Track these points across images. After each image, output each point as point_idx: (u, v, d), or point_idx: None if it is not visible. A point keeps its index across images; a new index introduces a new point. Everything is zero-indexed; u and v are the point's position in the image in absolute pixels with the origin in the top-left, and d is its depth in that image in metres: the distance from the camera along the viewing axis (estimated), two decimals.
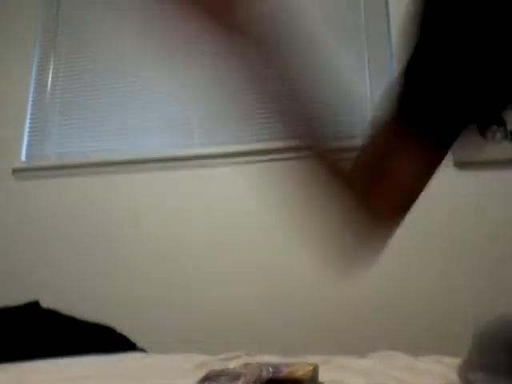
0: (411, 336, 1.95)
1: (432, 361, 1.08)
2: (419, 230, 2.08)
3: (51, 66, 2.68)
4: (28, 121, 2.63)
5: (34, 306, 1.61)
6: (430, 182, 0.63)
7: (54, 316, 1.55)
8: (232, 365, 0.93)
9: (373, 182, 0.60)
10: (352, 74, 2.42)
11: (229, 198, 2.30)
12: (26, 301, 1.64)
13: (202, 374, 0.81)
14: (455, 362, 0.98)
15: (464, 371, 0.54)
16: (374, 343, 1.84)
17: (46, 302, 1.70)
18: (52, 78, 2.66)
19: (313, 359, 1.02)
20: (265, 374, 0.85)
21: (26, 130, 2.62)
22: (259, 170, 2.32)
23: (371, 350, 1.31)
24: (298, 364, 0.93)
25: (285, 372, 0.88)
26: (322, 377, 0.91)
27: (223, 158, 2.34)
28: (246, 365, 0.92)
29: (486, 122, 2.11)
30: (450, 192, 2.10)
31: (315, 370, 0.92)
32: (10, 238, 2.44)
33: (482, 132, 2.10)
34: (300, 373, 0.88)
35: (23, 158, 2.59)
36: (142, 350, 1.46)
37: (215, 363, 0.98)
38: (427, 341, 1.90)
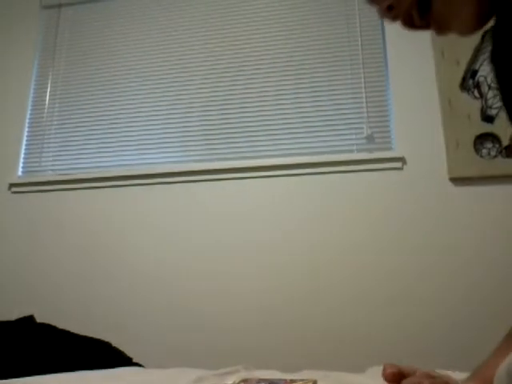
0: (410, 352, 1.94)
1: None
2: (416, 244, 2.10)
3: (49, 83, 2.71)
4: (25, 137, 2.64)
5: (28, 320, 1.59)
6: None
7: (48, 331, 1.53)
8: (230, 380, 0.93)
9: None
10: (349, 91, 2.46)
11: (226, 216, 2.31)
12: (20, 315, 1.62)
13: None
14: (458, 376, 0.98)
15: None
16: (372, 360, 1.84)
17: (41, 317, 1.69)
18: (50, 94, 2.69)
19: (311, 375, 1.02)
20: None
21: (23, 145, 2.63)
22: (261, 185, 2.34)
23: (369, 366, 1.30)
24: (298, 380, 0.93)
25: None
26: None
27: (220, 174, 2.36)
28: (245, 380, 0.91)
29: (481, 140, 2.14)
30: (446, 206, 2.11)
31: None
32: (7, 251, 2.43)
33: (477, 149, 2.13)
34: None
35: (20, 173, 2.60)
36: (138, 364, 1.44)
37: (213, 378, 0.98)
38: (426, 357, 1.89)
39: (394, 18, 0.57)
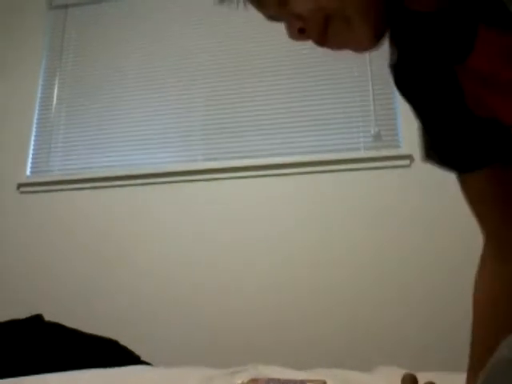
0: (413, 353, 1.94)
1: (434, 377, 1.07)
2: (424, 242, 2.08)
3: (56, 83, 2.72)
4: (33, 137, 2.65)
5: (37, 319, 1.60)
6: None
7: (57, 330, 1.54)
8: (239, 379, 0.92)
9: None
10: (356, 89, 2.44)
11: (233, 214, 2.31)
12: (29, 314, 1.63)
13: None
14: (457, 377, 0.97)
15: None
16: (377, 357, 1.83)
17: (50, 316, 1.70)
18: (57, 95, 2.70)
19: (319, 373, 1.02)
20: None
21: (31, 145, 2.64)
22: (259, 184, 2.33)
23: (373, 363, 1.30)
24: (307, 380, 0.92)
25: None
26: None
27: (225, 173, 2.36)
28: (254, 380, 0.91)
29: None
30: (454, 204, 2.10)
31: None
32: (15, 251, 2.44)
33: None
34: None
35: (28, 173, 2.61)
36: (146, 363, 1.44)
37: (222, 377, 0.97)
38: (429, 358, 1.88)
39: (305, 39, 0.60)
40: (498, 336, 0.50)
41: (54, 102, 2.70)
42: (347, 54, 2.22)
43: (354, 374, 1.07)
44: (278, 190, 2.29)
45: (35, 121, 2.68)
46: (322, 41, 0.58)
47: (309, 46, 2.24)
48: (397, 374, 1.11)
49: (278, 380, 0.88)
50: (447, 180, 2.26)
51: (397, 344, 1.97)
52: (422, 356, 1.89)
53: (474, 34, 0.54)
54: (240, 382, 0.88)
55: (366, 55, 2.37)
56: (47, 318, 1.68)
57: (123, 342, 1.63)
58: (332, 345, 2.02)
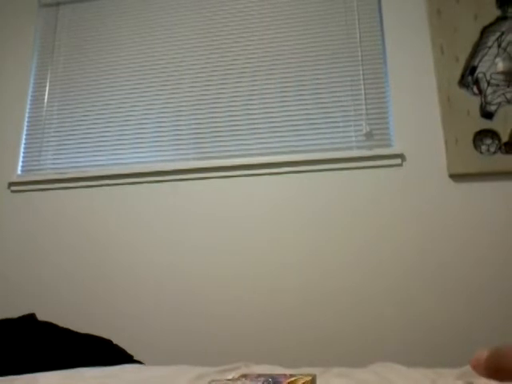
0: (418, 354, 1.95)
1: (429, 372, 1.08)
2: (415, 241, 2.10)
3: (48, 82, 2.71)
4: (24, 135, 2.64)
5: (29, 318, 1.59)
6: None
7: (50, 329, 1.54)
8: (230, 376, 0.93)
9: None
10: (348, 89, 2.46)
11: (226, 215, 2.31)
12: (22, 313, 1.63)
13: None
14: (450, 373, 0.98)
15: None
16: (372, 357, 1.84)
17: (40, 316, 1.69)
18: (48, 93, 2.69)
19: (311, 370, 1.02)
20: None
21: (23, 144, 2.63)
22: (250, 183, 2.34)
23: (368, 362, 1.31)
24: (297, 375, 0.93)
25: (284, 383, 0.88)
26: None
27: (215, 172, 2.36)
28: (245, 375, 0.91)
29: (480, 136, 2.14)
30: (446, 203, 2.12)
31: (313, 381, 0.92)
32: (6, 250, 2.43)
33: (477, 145, 2.13)
34: (299, 383, 0.87)
35: (19, 171, 2.60)
36: (139, 362, 1.44)
37: (214, 375, 0.98)
38: (424, 355, 1.89)
39: None
40: None
41: (46, 100, 2.69)
42: (339, 54, 2.23)
43: (346, 370, 1.08)
44: (268, 190, 2.30)
45: (26, 119, 2.67)
46: None
47: (299, 45, 2.25)
48: (392, 369, 1.12)
49: (268, 375, 0.89)
50: (438, 179, 2.29)
51: (400, 348, 1.98)
52: (424, 360, 1.91)
53: None
54: (231, 377, 0.89)
55: (358, 54, 2.38)
56: (41, 317, 1.68)
57: (115, 342, 1.63)
58: (333, 349, 2.03)
